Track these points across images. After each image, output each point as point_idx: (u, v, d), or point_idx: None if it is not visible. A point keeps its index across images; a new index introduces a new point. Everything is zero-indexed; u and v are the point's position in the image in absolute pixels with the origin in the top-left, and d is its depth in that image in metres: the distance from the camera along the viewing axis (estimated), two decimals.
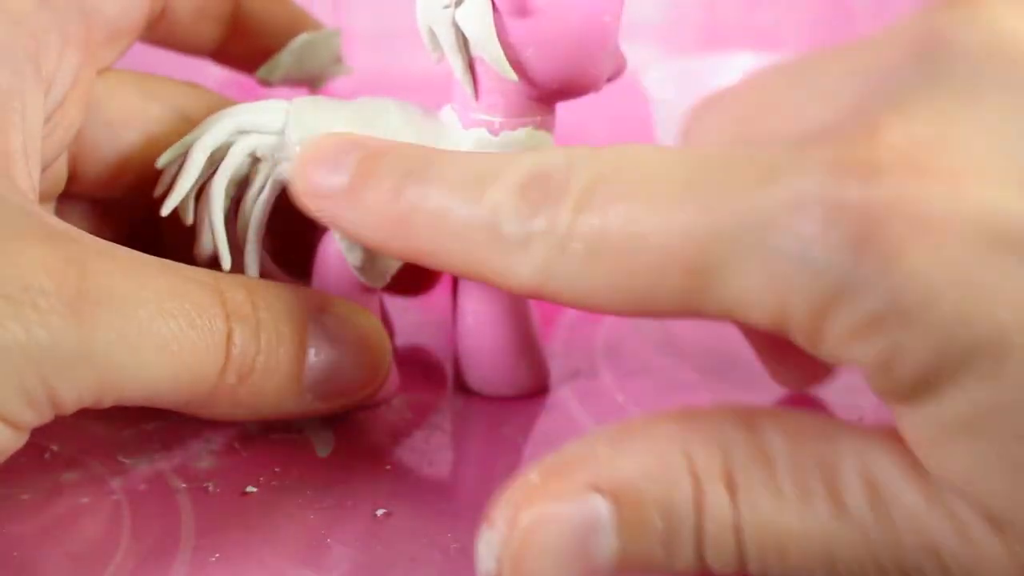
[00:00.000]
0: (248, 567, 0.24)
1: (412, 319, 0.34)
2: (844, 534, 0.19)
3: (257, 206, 0.28)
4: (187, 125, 0.28)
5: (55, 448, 0.27)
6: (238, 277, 0.25)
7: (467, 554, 0.24)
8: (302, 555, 0.24)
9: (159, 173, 0.29)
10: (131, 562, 0.24)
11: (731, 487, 0.20)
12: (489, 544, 0.20)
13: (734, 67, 0.46)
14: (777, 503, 0.20)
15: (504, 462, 0.28)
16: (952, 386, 0.18)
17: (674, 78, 0.43)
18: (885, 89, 0.20)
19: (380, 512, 0.26)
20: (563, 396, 0.31)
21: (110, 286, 0.22)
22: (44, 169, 0.27)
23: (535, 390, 0.31)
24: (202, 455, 0.27)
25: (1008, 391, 0.17)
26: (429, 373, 0.32)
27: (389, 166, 0.22)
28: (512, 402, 0.30)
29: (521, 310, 0.30)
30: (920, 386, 0.18)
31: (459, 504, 0.26)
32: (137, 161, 0.29)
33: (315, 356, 0.26)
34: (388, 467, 0.27)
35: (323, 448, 0.28)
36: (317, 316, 0.26)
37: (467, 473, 0.28)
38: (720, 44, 0.57)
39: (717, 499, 0.20)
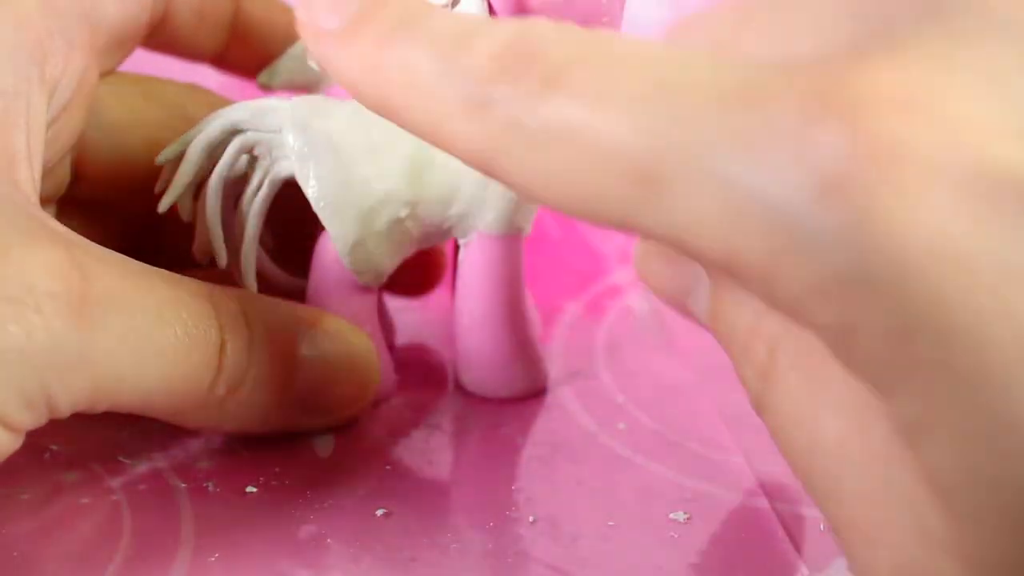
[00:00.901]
0: (248, 567, 0.24)
1: (412, 319, 0.34)
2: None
3: (255, 204, 0.28)
4: (189, 126, 0.28)
5: (55, 448, 0.27)
6: (231, 290, 0.26)
7: (467, 554, 0.24)
8: (302, 555, 0.24)
9: (160, 173, 0.29)
10: (131, 562, 0.24)
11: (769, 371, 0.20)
12: None
13: None
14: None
15: (504, 462, 0.28)
16: (920, 382, 0.15)
17: None
18: (879, 22, 0.17)
19: (380, 512, 0.26)
20: (563, 396, 0.31)
21: (111, 292, 0.22)
22: (47, 172, 0.27)
23: (531, 392, 0.31)
24: (202, 455, 0.27)
25: (980, 399, 0.15)
26: (429, 373, 0.32)
27: (385, 14, 0.21)
28: (512, 402, 0.30)
29: (519, 312, 0.30)
30: (883, 374, 0.16)
31: (459, 504, 0.26)
32: (139, 163, 0.29)
33: (304, 371, 0.26)
34: (388, 467, 0.27)
35: (323, 448, 0.28)
36: (308, 332, 0.26)
37: (467, 473, 0.28)
38: None
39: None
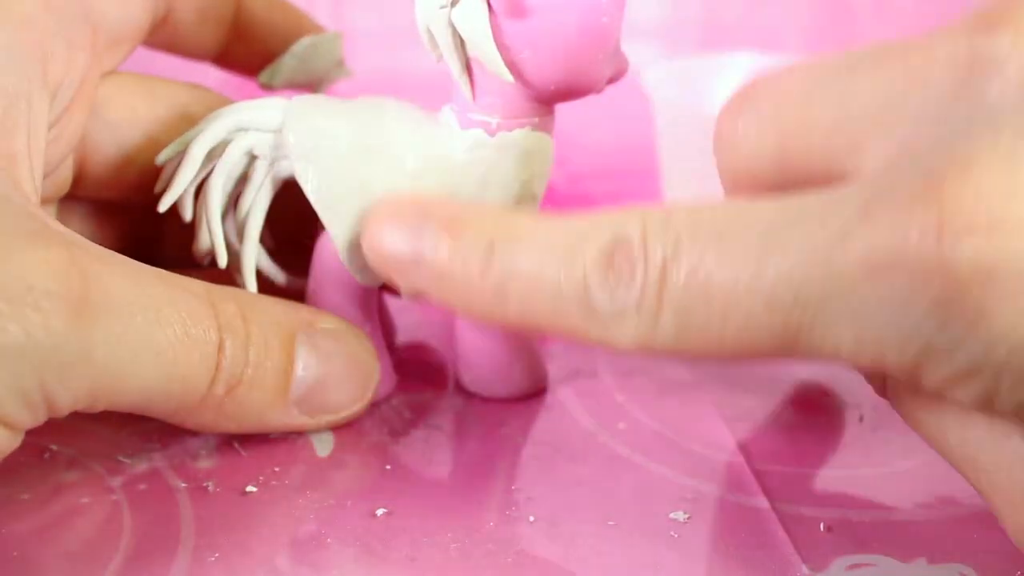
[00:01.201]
0: (247, 567, 0.24)
1: (412, 318, 0.34)
2: None
3: (255, 204, 0.28)
4: (189, 125, 0.29)
5: (55, 448, 0.27)
6: (229, 289, 0.26)
7: (467, 554, 0.24)
8: (302, 555, 0.24)
9: (161, 172, 0.29)
10: (131, 562, 0.24)
11: None
12: None
13: (734, 67, 0.46)
14: None
15: (504, 462, 0.28)
16: None
17: (674, 78, 0.43)
18: (940, 130, 0.20)
19: (380, 512, 0.26)
20: (563, 396, 0.31)
21: (110, 291, 0.23)
22: (48, 173, 0.27)
23: (531, 392, 0.31)
24: (202, 454, 0.27)
25: None
26: (429, 373, 0.32)
27: (473, 234, 0.23)
28: (512, 402, 0.30)
29: None
30: (1019, 414, 0.19)
31: (459, 504, 0.26)
32: (140, 161, 0.29)
33: (303, 371, 0.26)
34: (388, 467, 0.27)
35: (323, 448, 0.28)
36: (307, 331, 0.26)
37: (467, 473, 0.28)
38: (720, 44, 0.57)
39: None
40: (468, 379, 0.30)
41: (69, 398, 0.22)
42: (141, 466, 0.27)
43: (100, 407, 0.23)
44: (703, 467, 0.28)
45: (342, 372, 0.27)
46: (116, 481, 0.26)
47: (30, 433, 0.23)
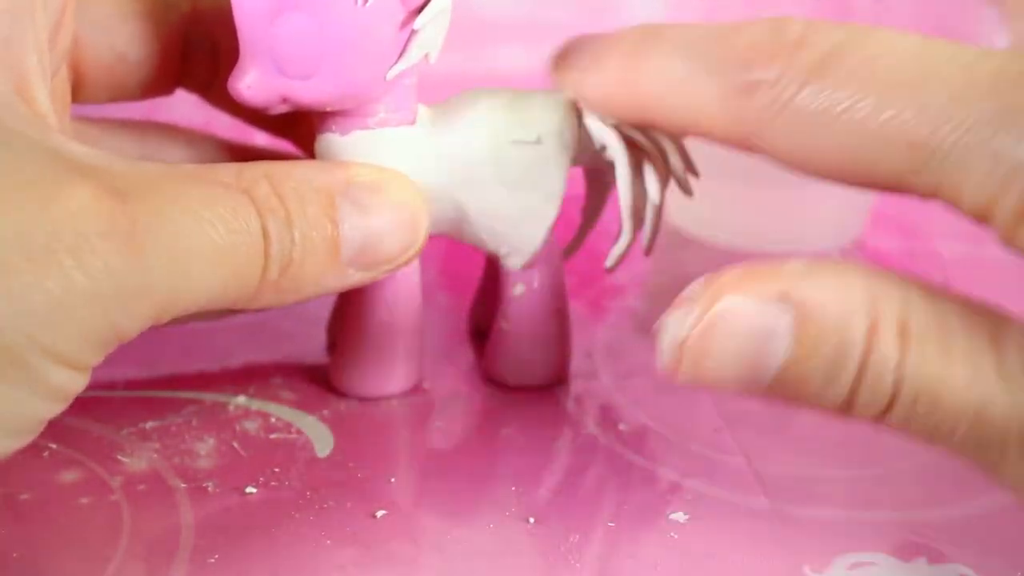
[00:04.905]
0: (247, 568, 0.24)
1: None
2: (999, 397, 0.20)
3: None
4: (174, 13, 0.29)
5: (54, 448, 0.27)
6: (258, 166, 0.25)
7: (467, 555, 0.24)
8: (301, 556, 0.24)
9: (159, 64, 0.29)
10: (130, 562, 0.24)
11: (904, 334, 0.21)
12: (679, 321, 0.21)
13: None
14: (945, 358, 0.21)
15: (504, 462, 0.28)
16: None
17: None
18: None
19: (379, 513, 0.26)
20: (562, 396, 0.31)
21: (152, 210, 0.22)
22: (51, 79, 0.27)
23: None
24: (201, 454, 0.27)
25: None
26: (429, 374, 0.31)
27: (625, 40, 0.25)
28: (512, 402, 0.30)
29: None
30: None
31: (459, 504, 0.26)
32: (133, 57, 0.29)
33: (350, 231, 0.25)
34: (387, 468, 0.27)
35: (323, 448, 0.28)
36: (344, 189, 0.26)
37: (467, 473, 0.28)
38: None
39: (888, 340, 0.21)
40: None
41: (136, 325, 0.22)
42: (140, 466, 0.27)
43: (164, 322, 0.23)
44: (703, 467, 0.28)
45: (389, 222, 0.26)
46: (116, 481, 0.26)
47: None
